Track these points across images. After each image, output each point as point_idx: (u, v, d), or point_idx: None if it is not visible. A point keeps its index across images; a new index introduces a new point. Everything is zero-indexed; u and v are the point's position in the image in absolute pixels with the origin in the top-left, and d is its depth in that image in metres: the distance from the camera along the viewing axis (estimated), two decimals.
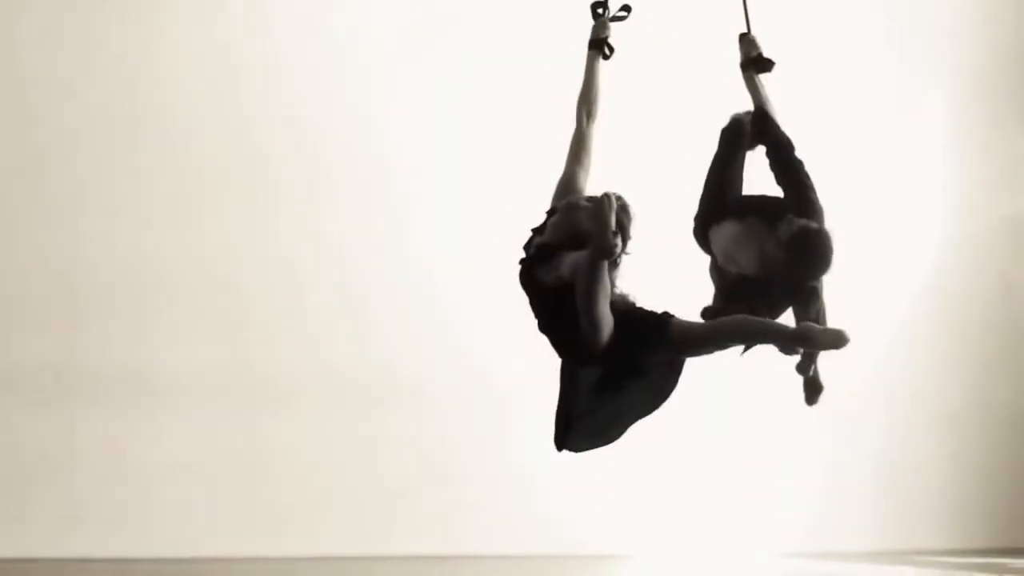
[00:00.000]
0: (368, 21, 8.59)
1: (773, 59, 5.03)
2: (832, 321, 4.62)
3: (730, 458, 8.89)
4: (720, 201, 4.80)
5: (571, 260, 4.21)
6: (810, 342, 4.24)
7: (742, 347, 4.45)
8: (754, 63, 4.98)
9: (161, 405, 8.14)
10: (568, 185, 4.59)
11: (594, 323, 4.13)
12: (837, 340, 4.18)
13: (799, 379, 9.23)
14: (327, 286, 8.41)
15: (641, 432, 4.53)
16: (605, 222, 3.98)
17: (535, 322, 4.42)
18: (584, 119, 4.68)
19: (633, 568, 8.52)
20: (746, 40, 5.04)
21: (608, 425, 4.43)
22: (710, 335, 4.30)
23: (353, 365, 8.38)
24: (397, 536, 8.37)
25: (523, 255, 4.48)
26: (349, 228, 8.46)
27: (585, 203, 4.33)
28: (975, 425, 9.44)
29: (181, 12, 8.36)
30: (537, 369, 8.09)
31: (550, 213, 4.51)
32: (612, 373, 4.30)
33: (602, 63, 4.81)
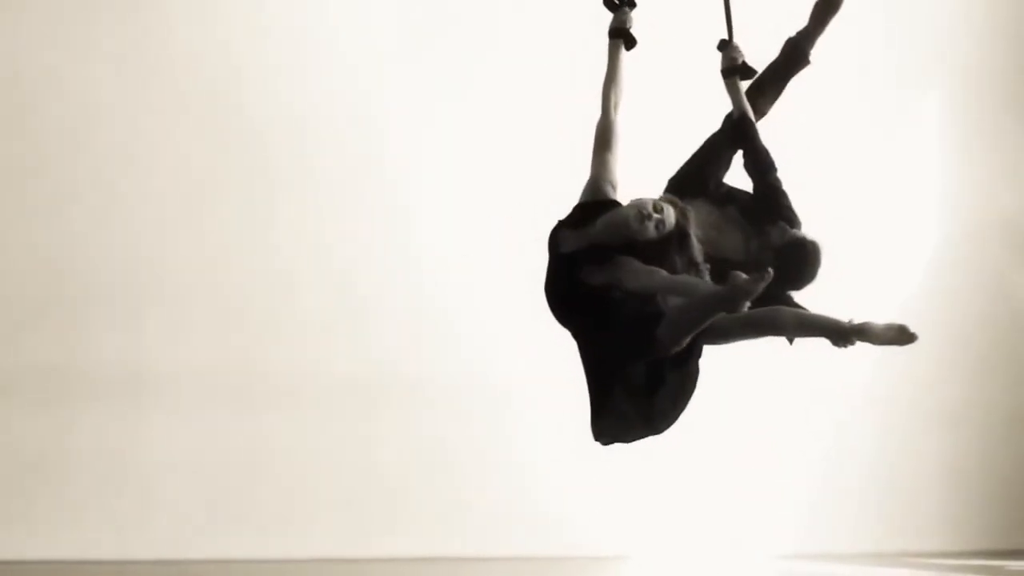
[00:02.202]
0: (368, 21, 8.59)
1: (755, 67, 5.05)
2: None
3: (729, 459, 8.88)
4: (699, 178, 4.84)
5: (651, 278, 4.15)
6: (871, 337, 4.19)
7: (786, 338, 4.42)
8: (739, 70, 4.99)
9: (159, 405, 8.13)
10: (603, 175, 4.50)
11: (681, 342, 4.13)
12: (902, 337, 4.16)
13: (798, 379, 9.24)
14: (326, 286, 8.41)
15: None
16: (753, 293, 3.94)
17: (547, 316, 4.33)
18: (611, 108, 4.61)
19: (632, 569, 8.52)
20: (729, 47, 5.04)
21: (652, 415, 4.34)
22: (747, 323, 4.27)
23: (351, 365, 8.38)
24: (396, 537, 8.36)
25: (552, 247, 4.37)
26: (348, 228, 8.46)
27: (657, 215, 4.22)
28: (974, 425, 9.43)
29: (181, 12, 8.35)
30: (536, 369, 8.17)
31: (589, 208, 4.40)
32: (657, 364, 4.24)
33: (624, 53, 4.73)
